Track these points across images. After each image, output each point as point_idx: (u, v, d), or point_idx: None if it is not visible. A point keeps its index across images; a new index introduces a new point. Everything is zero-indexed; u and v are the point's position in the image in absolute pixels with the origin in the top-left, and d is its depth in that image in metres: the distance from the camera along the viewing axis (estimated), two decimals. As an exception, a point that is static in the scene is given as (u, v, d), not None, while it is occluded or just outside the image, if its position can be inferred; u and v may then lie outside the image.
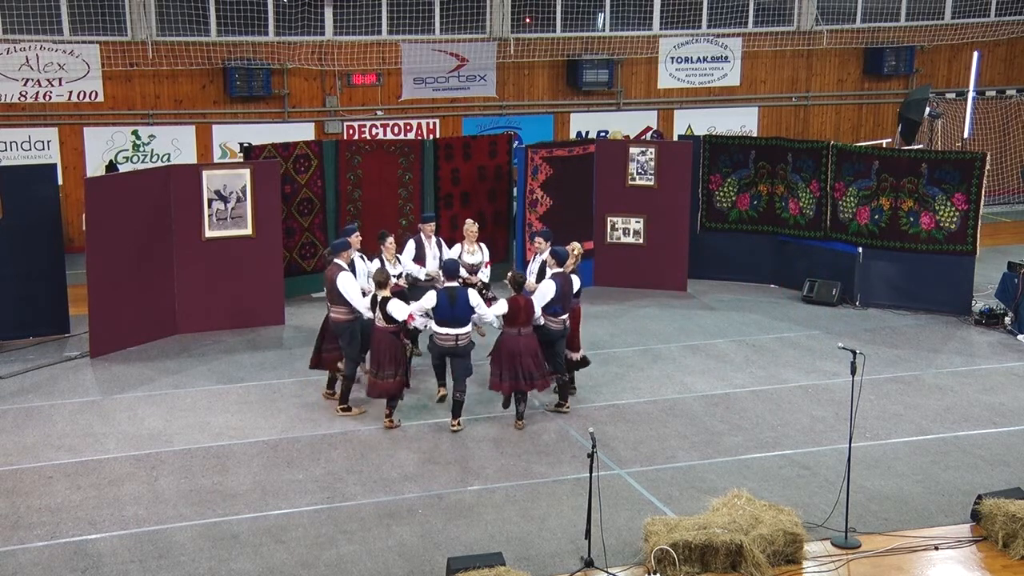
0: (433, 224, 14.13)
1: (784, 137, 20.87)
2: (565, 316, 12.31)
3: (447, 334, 11.92)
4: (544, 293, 12.16)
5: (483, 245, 14.15)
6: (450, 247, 14.11)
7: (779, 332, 15.61)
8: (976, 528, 9.94)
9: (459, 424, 12.05)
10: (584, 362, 13.15)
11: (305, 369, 13.71)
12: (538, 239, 13.20)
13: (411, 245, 13.86)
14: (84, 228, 17.15)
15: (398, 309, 11.79)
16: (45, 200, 14.78)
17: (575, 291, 12.52)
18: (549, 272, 12.42)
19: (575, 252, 12.71)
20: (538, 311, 12.05)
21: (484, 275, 13.90)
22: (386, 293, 11.91)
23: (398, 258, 13.58)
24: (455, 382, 12.06)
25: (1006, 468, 11.19)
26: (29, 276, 14.69)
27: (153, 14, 19.86)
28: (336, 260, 12.46)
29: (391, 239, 13.45)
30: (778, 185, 17.55)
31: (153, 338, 14.88)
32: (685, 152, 17.37)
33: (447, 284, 12.05)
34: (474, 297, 12.08)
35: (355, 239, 13.09)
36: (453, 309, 11.81)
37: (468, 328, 12.01)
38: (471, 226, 14.10)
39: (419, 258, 13.80)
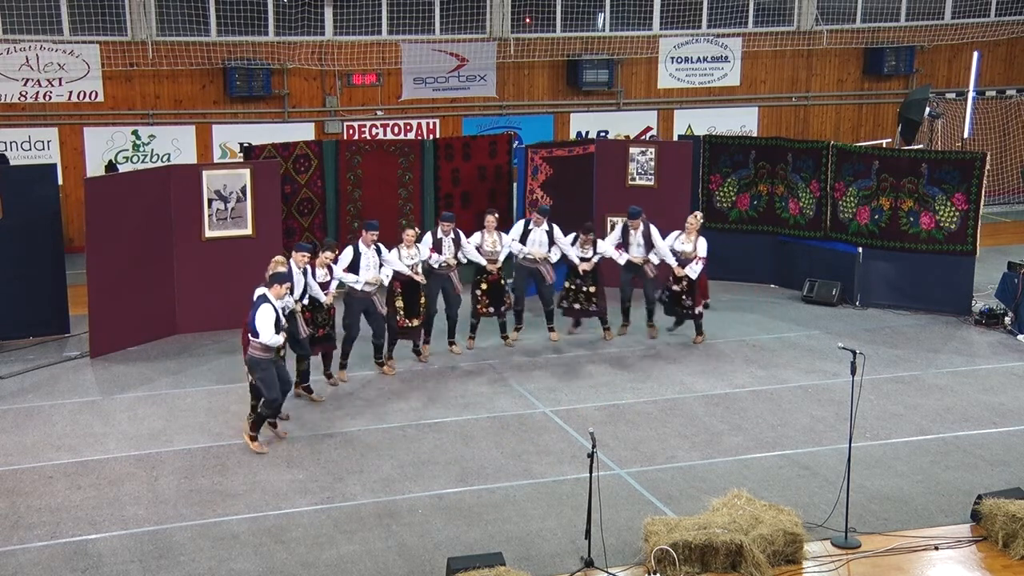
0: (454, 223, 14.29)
1: (784, 137, 20.85)
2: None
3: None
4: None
5: (702, 238, 14.73)
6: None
7: (779, 332, 15.60)
8: (976, 528, 9.93)
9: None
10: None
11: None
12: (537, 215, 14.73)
13: (428, 238, 14.08)
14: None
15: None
16: (45, 200, 14.77)
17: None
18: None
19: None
20: None
21: (692, 271, 14.68)
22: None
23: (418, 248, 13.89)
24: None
25: (1006, 468, 11.19)
26: (29, 276, 14.68)
27: (153, 14, 19.85)
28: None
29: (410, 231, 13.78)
30: (778, 185, 17.54)
31: (153, 338, 14.88)
32: (685, 152, 17.37)
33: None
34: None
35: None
36: None
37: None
38: (692, 218, 14.78)
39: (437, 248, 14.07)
